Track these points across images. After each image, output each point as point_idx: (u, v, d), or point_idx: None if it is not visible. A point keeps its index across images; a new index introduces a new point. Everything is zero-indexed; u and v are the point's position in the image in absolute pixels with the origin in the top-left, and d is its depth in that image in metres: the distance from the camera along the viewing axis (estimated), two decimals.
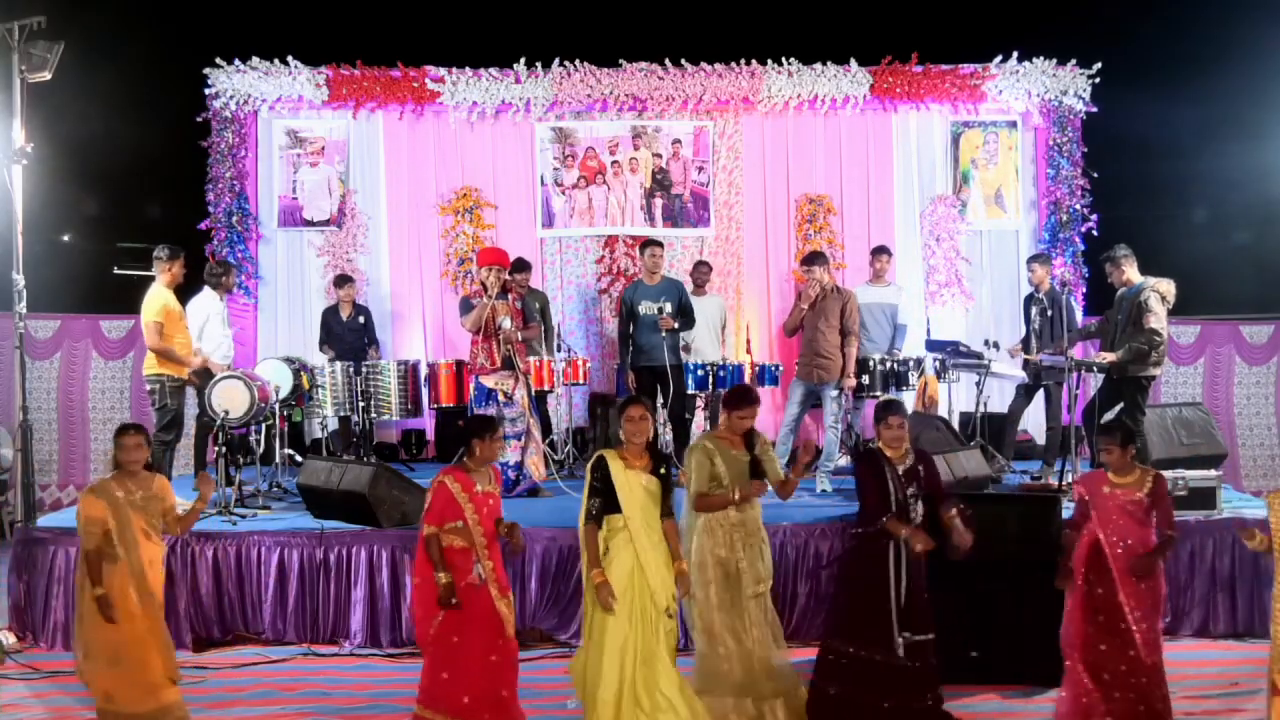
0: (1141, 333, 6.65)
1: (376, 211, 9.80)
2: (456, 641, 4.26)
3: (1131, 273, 6.88)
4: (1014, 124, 9.89)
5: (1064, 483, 6.72)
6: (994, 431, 8.01)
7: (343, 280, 8.95)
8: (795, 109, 9.71)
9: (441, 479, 4.35)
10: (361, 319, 8.92)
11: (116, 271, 9.30)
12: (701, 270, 8.90)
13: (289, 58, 9.53)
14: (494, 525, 4.38)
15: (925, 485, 4.80)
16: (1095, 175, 9.63)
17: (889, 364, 8.22)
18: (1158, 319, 6.65)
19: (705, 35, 9.74)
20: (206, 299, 7.45)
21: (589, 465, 4.45)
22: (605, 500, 4.33)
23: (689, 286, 8.38)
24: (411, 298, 9.80)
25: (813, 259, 7.43)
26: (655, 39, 9.62)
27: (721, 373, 8.35)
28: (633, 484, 4.34)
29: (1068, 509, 5.31)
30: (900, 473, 4.78)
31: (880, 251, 8.84)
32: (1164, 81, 9.25)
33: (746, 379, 8.37)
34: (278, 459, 7.53)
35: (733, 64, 9.62)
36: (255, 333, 9.62)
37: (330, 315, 8.90)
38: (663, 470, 4.44)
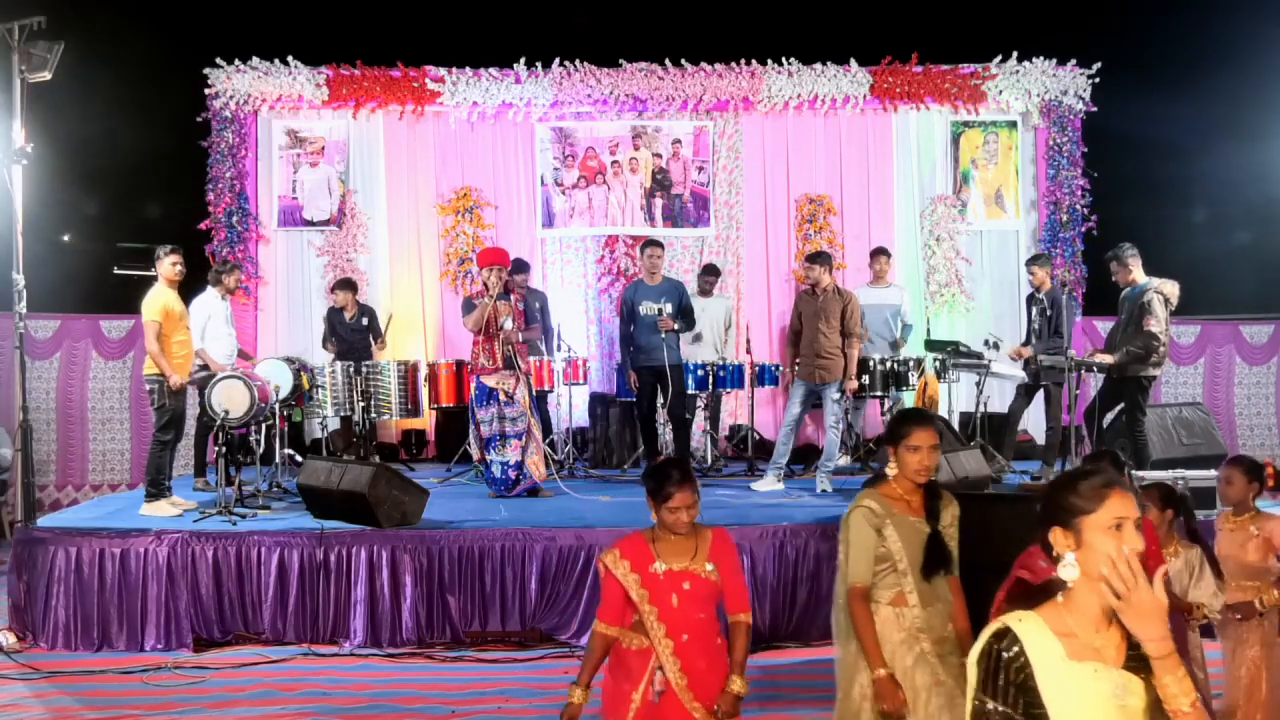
0: (1141, 335, 6.64)
1: (376, 211, 9.80)
2: None
3: (1137, 273, 6.87)
4: (1014, 124, 9.90)
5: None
6: (994, 431, 8.01)
7: (343, 284, 8.93)
8: (795, 109, 9.71)
9: (604, 559, 3.27)
10: (365, 319, 8.91)
11: (116, 271, 9.28)
12: (707, 279, 8.93)
13: (289, 58, 9.53)
14: (700, 612, 3.19)
15: None
16: (1095, 175, 9.64)
17: (889, 364, 8.23)
18: (1158, 322, 6.64)
19: (705, 35, 9.74)
20: (209, 298, 7.44)
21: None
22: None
23: (691, 287, 8.38)
24: (411, 298, 9.80)
25: (815, 258, 7.44)
26: (655, 39, 9.62)
27: (721, 372, 8.36)
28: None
29: None
30: None
31: (879, 253, 8.86)
32: (1164, 81, 9.25)
33: (746, 379, 8.37)
34: (278, 459, 7.53)
35: (733, 64, 9.62)
36: (255, 333, 9.62)
37: (334, 315, 8.90)
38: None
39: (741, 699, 3.17)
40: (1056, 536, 2.06)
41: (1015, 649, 1.96)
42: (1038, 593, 2.03)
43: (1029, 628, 1.98)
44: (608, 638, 3.22)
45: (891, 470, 3.31)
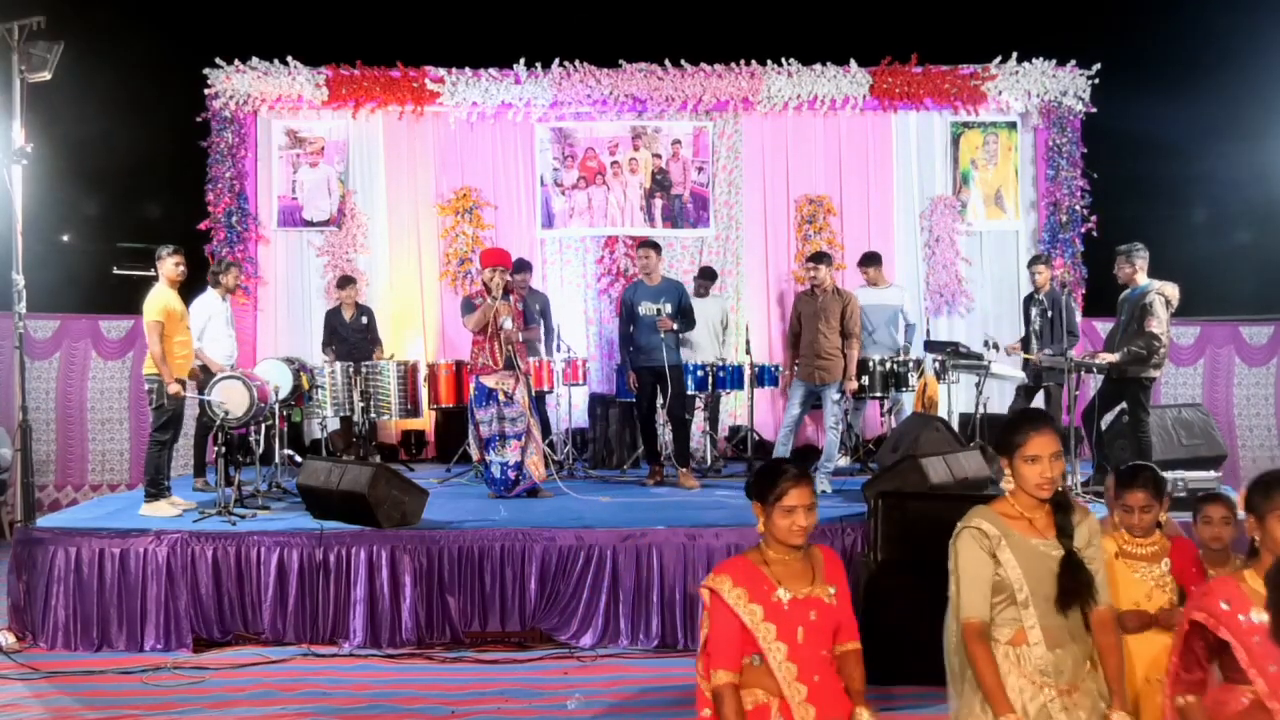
0: (1141, 336, 6.65)
1: (376, 211, 9.80)
2: None
3: (1141, 274, 6.87)
4: (1014, 124, 9.90)
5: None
6: (994, 432, 8.00)
7: (345, 282, 8.94)
8: (795, 109, 9.71)
9: (711, 584, 2.74)
10: (365, 319, 8.91)
11: (116, 271, 9.28)
12: (702, 283, 8.94)
13: (289, 58, 9.53)
14: (824, 647, 2.73)
15: None
16: (1095, 175, 9.64)
17: (889, 365, 8.23)
18: (1159, 323, 6.64)
19: (705, 35, 9.74)
20: (209, 299, 7.45)
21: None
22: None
23: (690, 288, 8.38)
24: (411, 298, 9.80)
25: (818, 258, 7.44)
26: (655, 39, 9.62)
27: (721, 373, 8.36)
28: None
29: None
30: None
31: (868, 261, 8.80)
32: (1164, 81, 9.25)
33: (746, 379, 8.38)
34: (277, 459, 7.53)
35: (732, 64, 9.62)
36: (255, 333, 9.62)
37: (333, 316, 8.90)
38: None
39: None
40: None
41: None
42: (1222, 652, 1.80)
43: None
44: (736, 688, 2.62)
45: (1007, 485, 2.83)
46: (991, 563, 2.74)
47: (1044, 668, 2.71)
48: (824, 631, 2.71)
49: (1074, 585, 2.72)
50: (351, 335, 8.80)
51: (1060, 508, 2.80)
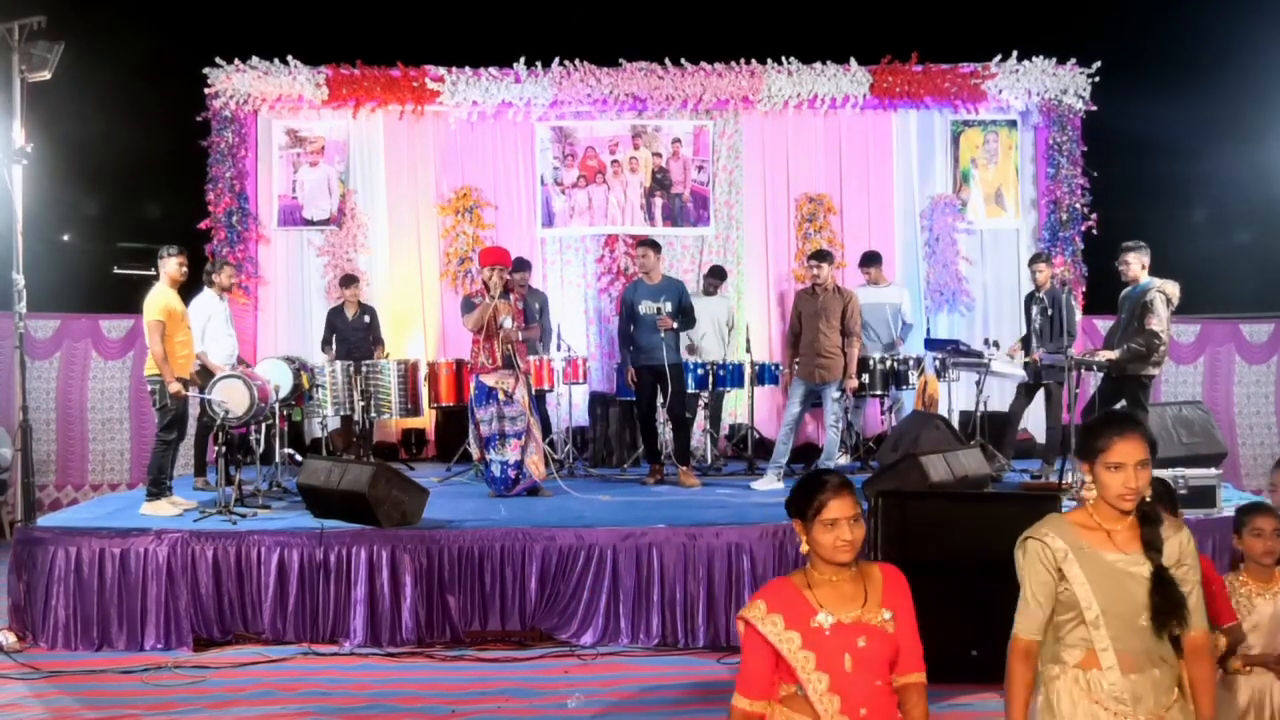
0: (1142, 333, 6.64)
1: (376, 211, 9.80)
2: None
3: (1142, 272, 6.87)
4: (1014, 123, 9.89)
5: (1064, 481, 6.72)
6: (994, 431, 8.01)
7: (348, 280, 8.94)
8: (795, 108, 9.70)
9: (745, 615, 2.53)
10: (367, 318, 8.91)
11: (116, 271, 9.31)
12: (711, 281, 8.96)
13: (289, 58, 9.53)
14: (877, 678, 2.48)
15: None
16: (1095, 175, 9.64)
17: (889, 363, 8.23)
18: (1159, 320, 6.64)
19: (705, 35, 9.74)
20: (206, 299, 7.44)
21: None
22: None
23: (694, 287, 8.38)
24: (411, 298, 9.80)
25: (821, 256, 7.44)
26: (655, 39, 9.62)
27: (721, 372, 8.37)
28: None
29: (1067, 506, 5.30)
30: None
31: (866, 263, 8.82)
32: (1164, 81, 9.25)
33: (746, 378, 8.38)
34: (278, 459, 7.53)
35: (732, 64, 9.62)
36: (255, 332, 9.62)
37: (335, 315, 8.90)
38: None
39: None
40: None
41: None
42: None
43: None
44: (752, 717, 2.48)
45: (1089, 494, 2.60)
46: (1053, 578, 2.54)
47: (1119, 694, 2.49)
48: (877, 660, 2.45)
49: (1165, 606, 2.48)
50: (352, 334, 8.79)
51: (1146, 520, 2.55)
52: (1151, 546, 2.52)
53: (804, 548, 2.55)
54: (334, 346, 8.74)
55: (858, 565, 2.54)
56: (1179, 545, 2.55)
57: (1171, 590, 2.49)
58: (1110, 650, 2.49)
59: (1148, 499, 2.54)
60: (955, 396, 8.69)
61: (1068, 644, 2.56)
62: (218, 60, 9.48)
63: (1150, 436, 2.56)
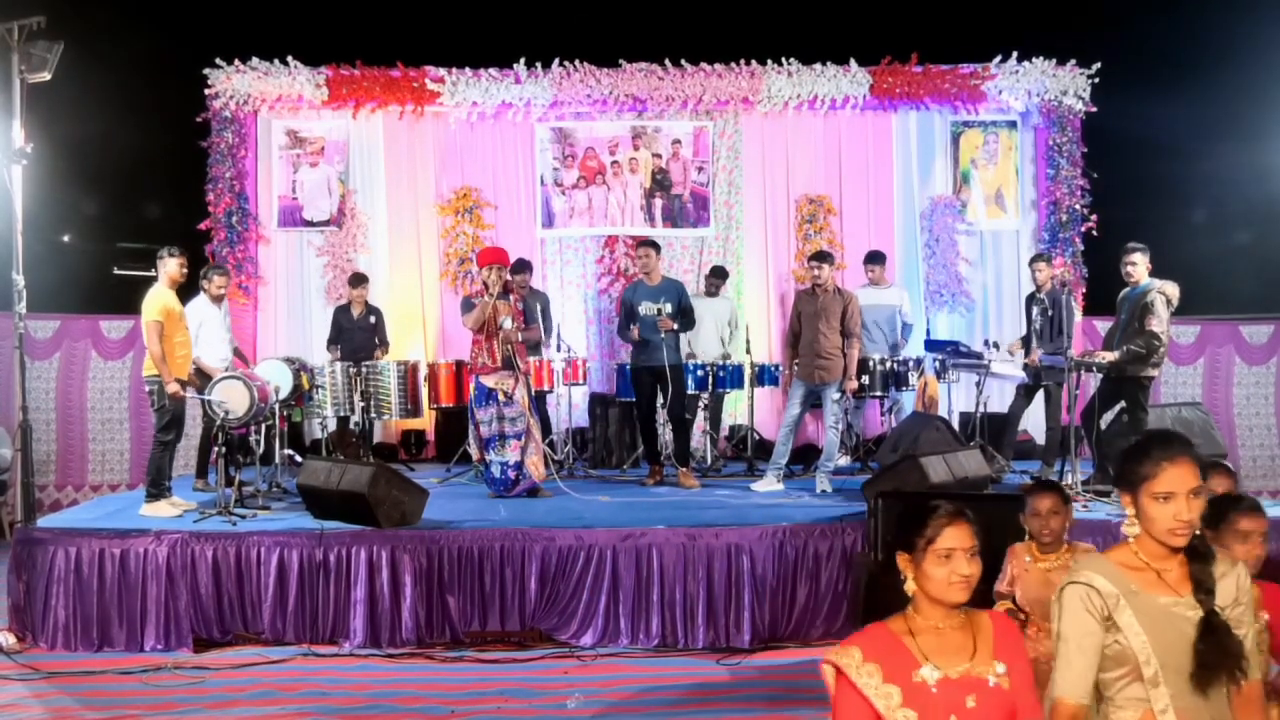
0: (1142, 334, 6.64)
1: (376, 211, 9.80)
2: None
3: (1143, 273, 6.86)
4: (1014, 124, 9.90)
5: (1064, 483, 6.71)
6: (994, 431, 8.02)
7: (358, 280, 8.90)
8: (795, 109, 9.71)
9: (835, 659, 2.18)
10: (372, 318, 8.89)
11: (116, 271, 9.29)
12: (713, 281, 8.96)
13: (289, 58, 9.53)
14: None
15: None
16: (1095, 175, 9.64)
17: (889, 364, 8.23)
18: (1159, 322, 6.63)
19: (705, 35, 9.74)
20: (199, 304, 7.37)
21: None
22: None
23: (696, 287, 8.38)
24: (411, 298, 9.80)
25: (822, 257, 7.44)
26: (655, 39, 9.62)
27: (721, 373, 8.36)
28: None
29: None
30: None
31: (871, 261, 8.81)
32: (1164, 81, 9.25)
33: (746, 379, 8.37)
34: (278, 459, 7.53)
35: (732, 64, 9.62)
36: (255, 333, 9.62)
37: (341, 314, 8.89)
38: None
39: None
40: None
41: None
42: None
43: None
44: None
45: (1131, 529, 2.25)
46: (1101, 630, 2.18)
47: None
48: (1000, 715, 2.12)
49: (1216, 655, 2.14)
50: (356, 333, 8.78)
51: (1196, 556, 2.21)
52: (1202, 587, 2.18)
53: (909, 586, 2.20)
54: (339, 346, 8.74)
55: (966, 612, 2.21)
56: (1235, 584, 2.23)
57: (1226, 638, 2.15)
58: (1170, 711, 2.15)
59: (1198, 532, 2.22)
60: (955, 398, 8.69)
61: (1118, 704, 2.20)
62: (218, 61, 9.48)
63: (1201, 459, 2.25)
